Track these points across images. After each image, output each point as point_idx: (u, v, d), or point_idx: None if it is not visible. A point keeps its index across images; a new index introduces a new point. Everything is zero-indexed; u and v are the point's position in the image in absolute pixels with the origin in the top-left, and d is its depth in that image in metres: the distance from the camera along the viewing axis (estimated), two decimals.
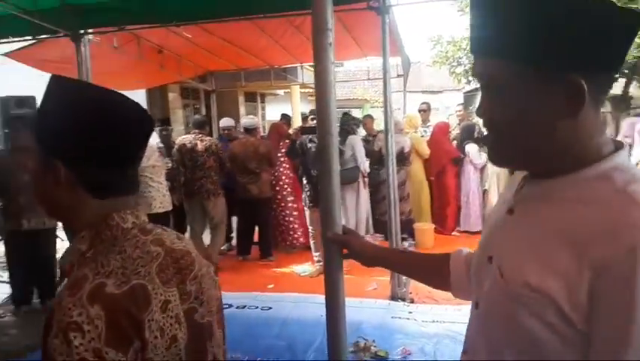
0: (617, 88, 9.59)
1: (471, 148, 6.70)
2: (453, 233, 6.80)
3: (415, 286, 4.69)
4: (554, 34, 0.72)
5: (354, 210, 6.11)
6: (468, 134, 6.81)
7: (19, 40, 5.15)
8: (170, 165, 5.59)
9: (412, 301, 4.26)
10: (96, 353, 0.72)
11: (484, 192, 6.82)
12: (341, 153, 6.10)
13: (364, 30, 5.59)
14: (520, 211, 0.84)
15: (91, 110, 0.86)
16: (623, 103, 8.82)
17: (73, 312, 0.73)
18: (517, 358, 0.79)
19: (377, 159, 6.27)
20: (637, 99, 10.19)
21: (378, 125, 6.82)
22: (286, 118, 7.49)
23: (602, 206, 0.72)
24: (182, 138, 5.64)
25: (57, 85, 0.89)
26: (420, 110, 7.26)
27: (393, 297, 4.27)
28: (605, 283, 0.69)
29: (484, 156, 6.80)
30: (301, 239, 6.09)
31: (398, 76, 7.42)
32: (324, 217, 1.51)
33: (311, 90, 14.18)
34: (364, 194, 6.07)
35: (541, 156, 0.80)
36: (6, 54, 5.38)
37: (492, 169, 6.72)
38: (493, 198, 6.68)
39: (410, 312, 3.98)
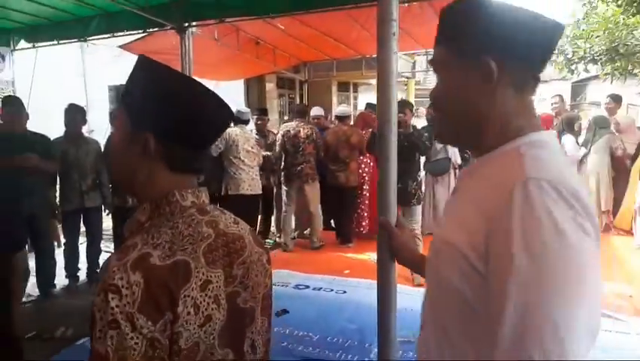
0: None
1: (567, 140, 6.30)
2: None
3: None
4: (470, 21, 0.84)
5: (438, 202, 6.02)
6: (567, 125, 6.40)
7: (132, 34, 5.70)
8: (268, 153, 5.93)
9: None
10: (128, 317, 0.75)
11: None
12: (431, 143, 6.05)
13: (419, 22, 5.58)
14: (458, 190, 0.94)
15: (182, 91, 0.91)
16: None
17: (116, 275, 0.77)
18: (447, 313, 0.83)
19: None
20: None
21: None
22: (372, 107, 7.53)
23: (502, 168, 0.80)
24: (286, 125, 5.96)
25: (148, 65, 0.93)
26: None
27: None
28: (493, 233, 0.73)
29: (582, 151, 6.37)
30: (368, 227, 6.17)
31: None
32: (380, 203, 1.58)
33: (404, 80, 14.03)
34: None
35: (469, 132, 0.89)
36: (121, 46, 5.97)
37: (590, 168, 6.28)
38: (593, 199, 6.26)
39: None
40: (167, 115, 0.89)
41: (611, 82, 7.82)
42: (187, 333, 0.81)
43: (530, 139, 0.83)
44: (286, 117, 6.64)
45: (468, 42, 0.85)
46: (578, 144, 6.43)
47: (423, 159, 5.85)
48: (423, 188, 5.57)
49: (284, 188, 5.76)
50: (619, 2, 7.21)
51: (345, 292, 4.34)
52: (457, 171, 5.88)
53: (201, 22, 5.75)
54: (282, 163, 5.75)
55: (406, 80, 14.11)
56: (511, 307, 0.68)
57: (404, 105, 5.21)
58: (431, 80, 20.52)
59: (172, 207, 0.90)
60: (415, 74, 13.94)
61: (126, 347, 0.75)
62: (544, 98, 7.27)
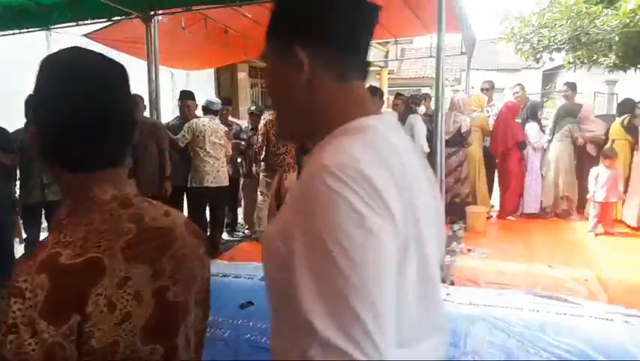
0: None
1: (530, 127, 6.47)
2: (508, 217, 6.62)
3: (459, 268, 4.70)
4: (280, 11, 0.85)
5: None
6: (531, 113, 6.56)
7: (97, 22, 5.60)
8: (242, 145, 5.92)
9: (452, 284, 4.25)
10: (29, 321, 0.73)
11: (543, 178, 6.56)
12: None
13: (424, 6, 5.49)
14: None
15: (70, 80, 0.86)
16: None
17: (21, 278, 0.75)
18: (274, 303, 0.83)
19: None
20: None
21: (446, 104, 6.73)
22: None
23: (314, 159, 0.78)
24: (269, 113, 5.86)
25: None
26: (482, 90, 7.02)
27: None
28: (293, 221, 0.73)
29: (544, 138, 6.54)
30: None
31: (462, 53, 7.20)
32: None
33: (377, 69, 14.08)
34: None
35: (301, 127, 0.88)
36: (85, 35, 5.86)
37: (552, 154, 6.44)
38: (551, 185, 6.43)
39: (448, 294, 3.98)
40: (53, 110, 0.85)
41: (574, 70, 8.02)
42: (100, 333, 0.79)
43: (352, 125, 0.81)
44: (253, 107, 6.54)
45: (279, 33, 0.84)
46: (542, 131, 6.59)
47: None
48: None
49: (264, 178, 5.70)
50: None
51: None
52: (425, 159, 5.95)
53: (167, 10, 5.69)
54: (263, 153, 5.68)
55: (379, 69, 14.14)
56: (306, 295, 0.67)
57: (373, 93, 5.12)
58: (406, 70, 20.63)
59: (89, 203, 0.87)
60: (387, 63, 13.97)
61: (24, 352, 0.73)
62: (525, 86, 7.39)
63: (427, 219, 0.80)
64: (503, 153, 6.52)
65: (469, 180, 6.44)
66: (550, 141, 6.55)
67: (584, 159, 6.47)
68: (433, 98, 6.99)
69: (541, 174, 6.55)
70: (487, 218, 6.43)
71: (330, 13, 0.80)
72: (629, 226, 5.89)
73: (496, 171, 6.83)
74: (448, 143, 5.59)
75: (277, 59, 0.85)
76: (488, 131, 6.50)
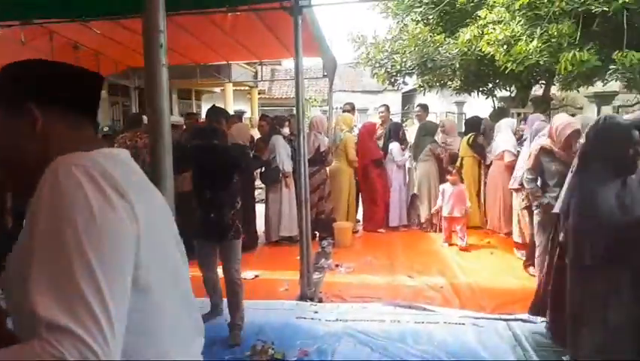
0: (538, 90, 10.10)
1: (394, 146, 6.87)
2: (379, 230, 6.93)
3: (327, 284, 4.76)
4: (14, 76, 0.95)
5: (277, 210, 6.13)
6: (394, 133, 6.99)
7: None
8: None
9: (321, 301, 4.29)
10: None
11: (413, 196, 6.99)
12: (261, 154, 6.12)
13: (285, 30, 5.59)
14: None
15: None
16: (544, 104, 9.26)
17: None
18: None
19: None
20: (556, 100, 10.79)
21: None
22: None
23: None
24: (122, 136, 5.42)
25: None
26: (344, 111, 7.36)
27: (302, 297, 4.27)
28: (30, 217, 0.80)
29: (406, 154, 7.00)
30: None
31: (324, 76, 7.47)
32: None
33: (247, 88, 14.07)
34: (287, 194, 6.09)
35: (33, 175, 0.90)
36: None
37: (420, 172, 6.90)
38: (424, 201, 6.87)
39: (316, 312, 4.00)
40: None
41: (424, 94, 8.77)
42: None
43: (82, 153, 0.88)
44: (105, 128, 6.09)
45: (11, 94, 0.93)
46: (403, 150, 7.04)
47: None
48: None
49: None
50: (427, 20, 8.15)
51: None
52: (287, 179, 6.03)
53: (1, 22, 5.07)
54: None
55: (248, 88, 14.13)
56: (35, 288, 0.71)
57: (217, 114, 4.86)
58: (277, 90, 20.94)
59: None
60: (258, 83, 14.02)
61: None
62: (377, 108, 7.85)
63: (165, 224, 0.98)
64: (364, 170, 6.86)
65: (335, 196, 6.66)
66: (416, 160, 7.00)
67: (447, 173, 6.91)
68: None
69: (413, 191, 6.99)
70: (355, 232, 6.66)
71: (56, 78, 0.96)
72: (493, 232, 6.45)
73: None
74: (310, 162, 5.58)
75: (9, 118, 0.93)
76: (352, 150, 6.75)
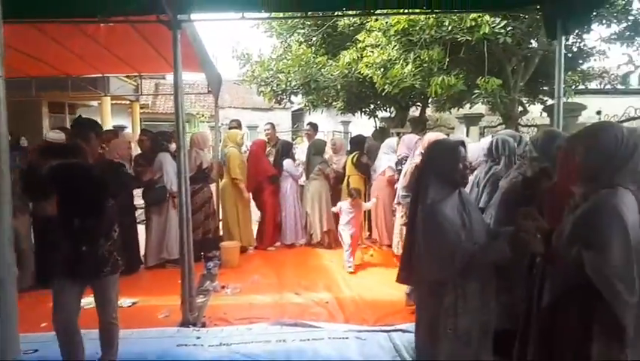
0: (416, 112, 10.84)
1: (287, 163, 6.94)
2: (269, 248, 6.87)
3: (211, 307, 4.59)
4: None
5: (161, 232, 5.84)
6: (285, 150, 7.04)
7: None
8: None
9: (204, 325, 4.12)
10: None
11: (307, 214, 7.04)
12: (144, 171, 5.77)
13: (166, 44, 5.38)
14: None
15: None
16: (421, 124, 9.93)
17: None
18: None
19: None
20: (431, 120, 11.67)
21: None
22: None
23: None
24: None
25: None
26: (230, 128, 7.26)
27: (184, 323, 4.07)
28: None
29: (300, 169, 7.06)
30: None
31: (209, 92, 7.32)
32: None
33: (128, 102, 13.35)
34: (174, 214, 5.82)
35: None
36: None
37: (312, 190, 6.97)
38: (315, 219, 6.92)
39: (198, 337, 3.82)
40: None
41: (309, 113, 8.99)
42: None
43: None
44: None
45: None
46: (295, 166, 7.08)
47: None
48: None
49: None
50: (311, 42, 8.40)
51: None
52: (175, 199, 5.77)
53: None
54: None
55: (129, 103, 13.41)
56: None
57: (83, 127, 4.20)
58: (161, 104, 20.13)
59: None
60: (139, 97, 13.34)
61: None
62: (278, 124, 7.85)
63: None
64: (257, 187, 6.79)
65: (224, 214, 6.56)
66: (307, 178, 7.08)
67: (337, 190, 7.06)
68: (188, 134, 6.99)
69: (305, 210, 7.00)
70: (244, 251, 6.55)
71: None
72: (379, 245, 6.64)
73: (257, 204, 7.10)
74: (192, 180, 5.50)
75: None
76: (235, 166, 6.62)
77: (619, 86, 7.26)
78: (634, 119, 5.04)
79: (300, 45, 8.27)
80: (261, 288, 5.21)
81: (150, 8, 4.03)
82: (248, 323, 4.17)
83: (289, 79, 8.18)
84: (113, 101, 12.23)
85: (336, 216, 6.38)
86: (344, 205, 5.98)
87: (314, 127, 7.73)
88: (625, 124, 5.08)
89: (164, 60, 6.17)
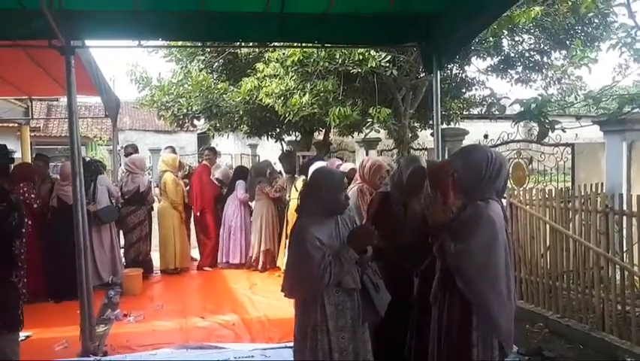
0: (320, 135, 11.28)
1: (239, 185, 7.13)
2: (205, 268, 7.11)
3: (113, 336, 4.49)
4: None
5: (99, 251, 5.96)
6: (240, 174, 7.33)
7: None
8: None
9: (106, 354, 4.03)
10: None
11: (250, 233, 7.07)
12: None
13: (58, 68, 5.24)
14: None
15: None
16: (325, 147, 10.35)
17: None
18: None
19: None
20: (335, 143, 12.21)
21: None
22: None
23: None
24: None
25: None
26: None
27: (85, 353, 3.96)
28: None
29: (242, 192, 7.13)
30: None
31: (106, 116, 7.17)
32: None
33: (16, 125, 12.42)
34: (114, 234, 6.20)
35: None
36: None
37: (255, 211, 7.02)
38: (255, 238, 6.92)
39: None
40: None
41: (213, 136, 9.06)
42: None
43: None
44: None
45: None
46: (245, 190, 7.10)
47: None
48: None
49: None
50: (212, 68, 8.52)
51: None
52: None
53: None
54: None
55: (17, 125, 12.48)
56: None
57: None
58: (54, 128, 18.95)
59: None
60: (30, 121, 12.46)
61: None
62: (183, 146, 7.86)
63: None
64: (202, 209, 7.07)
65: (161, 237, 6.88)
66: (252, 201, 7.19)
67: (282, 210, 7.03)
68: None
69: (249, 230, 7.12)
70: (178, 273, 6.82)
71: None
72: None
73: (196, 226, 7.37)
74: (129, 202, 6.42)
75: None
76: (172, 190, 6.80)
77: (496, 113, 8.14)
78: (507, 142, 5.83)
79: (200, 71, 8.32)
80: (166, 314, 5.17)
81: (41, 33, 3.93)
82: (152, 350, 4.15)
83: (190, 104, 8.25)
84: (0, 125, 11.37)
85: (280, 236, 6.69)
86: None
87: (213, 151, 8.01)
88: (501, 146, 5.85)
89: (56, 83, 5.99)
